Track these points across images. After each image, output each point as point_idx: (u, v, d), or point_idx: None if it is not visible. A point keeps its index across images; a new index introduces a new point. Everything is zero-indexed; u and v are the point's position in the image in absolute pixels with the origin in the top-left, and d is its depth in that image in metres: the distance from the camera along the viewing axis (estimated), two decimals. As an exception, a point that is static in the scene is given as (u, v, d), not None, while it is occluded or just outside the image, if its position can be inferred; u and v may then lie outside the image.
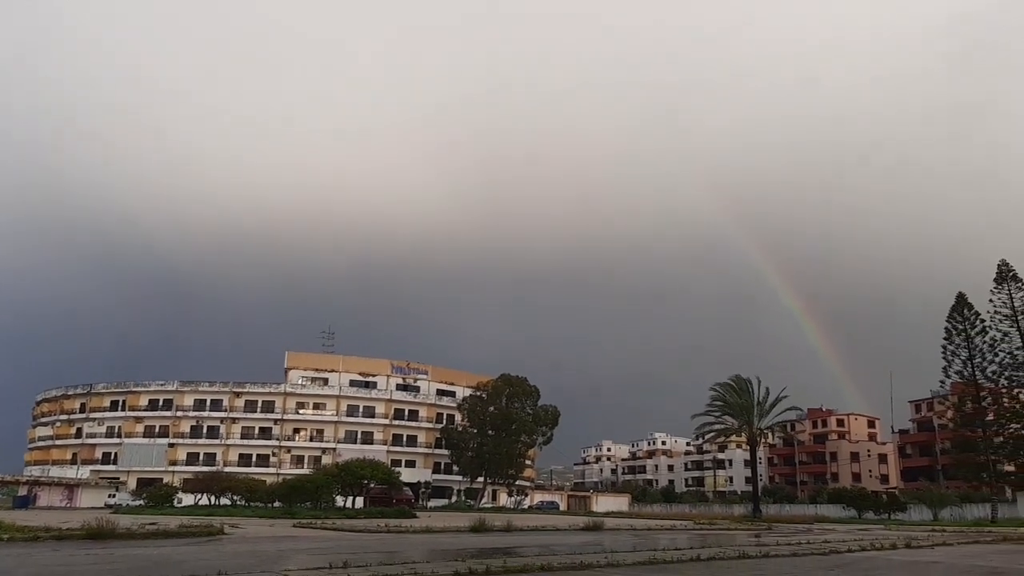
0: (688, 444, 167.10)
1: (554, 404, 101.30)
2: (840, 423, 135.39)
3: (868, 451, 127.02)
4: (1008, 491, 71.32)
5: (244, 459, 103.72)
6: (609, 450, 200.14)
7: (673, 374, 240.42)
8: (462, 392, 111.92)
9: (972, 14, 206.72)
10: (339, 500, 57.07)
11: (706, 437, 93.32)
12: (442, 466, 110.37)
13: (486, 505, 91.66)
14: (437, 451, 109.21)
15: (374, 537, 26.16)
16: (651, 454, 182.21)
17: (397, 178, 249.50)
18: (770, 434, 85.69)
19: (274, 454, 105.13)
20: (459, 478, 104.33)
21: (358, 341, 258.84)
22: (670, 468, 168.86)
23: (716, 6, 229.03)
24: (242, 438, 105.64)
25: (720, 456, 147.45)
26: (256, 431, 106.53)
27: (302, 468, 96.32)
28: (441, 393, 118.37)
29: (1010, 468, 65.72)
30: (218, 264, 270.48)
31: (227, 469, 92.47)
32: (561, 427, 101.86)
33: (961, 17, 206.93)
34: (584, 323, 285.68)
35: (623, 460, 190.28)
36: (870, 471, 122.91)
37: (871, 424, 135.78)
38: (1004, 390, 63.31)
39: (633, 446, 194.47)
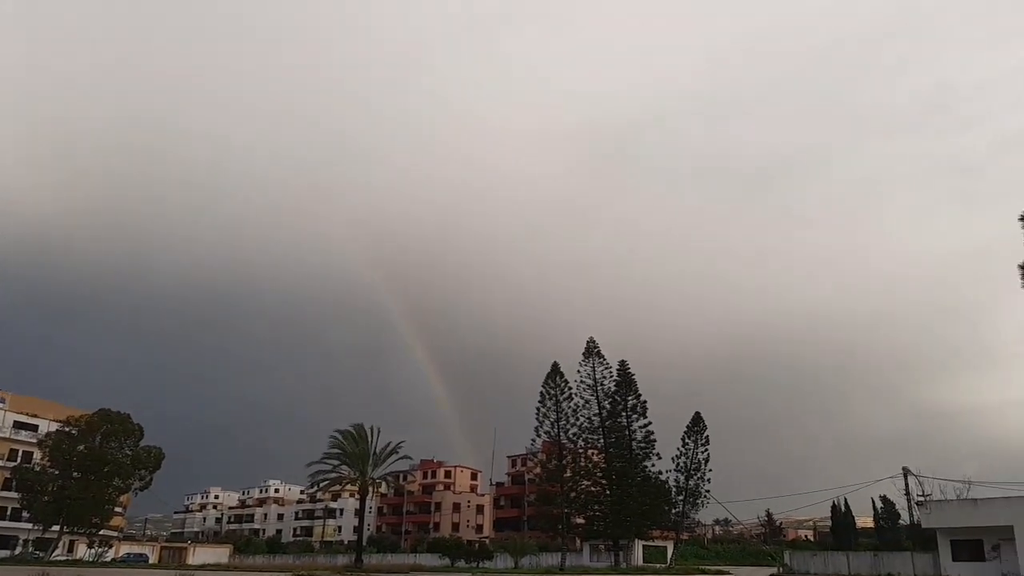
0: (302, 492, 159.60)
1: (159, 445, 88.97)
2: (447, 475, 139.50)
3: (469, 502, 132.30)
4: (578, 541, 77.76)
5: None
6: (217, 497, 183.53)
7: (301, 418, 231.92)
8: (48, 426, 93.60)
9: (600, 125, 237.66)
10: None
11: (321, 485, 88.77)
12: (8, 512, 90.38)
13: (59, 558, 76.12)
14: (5, 494, 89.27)
15: None
16: (262, 502, 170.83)
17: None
18: (383, 484, 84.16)
19: None
20: (30, 526, 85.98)
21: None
22: (280, 517, 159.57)
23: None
24: None
25: (332, 505, 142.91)
26: None
27: None
28: (20, 426, 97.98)
29: (580, 520, 71.62)
30: None
31: None
32: (171, 472, 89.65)
33: (589, 125, 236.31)
34: (214, 359, 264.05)
35: (231, 508, 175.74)
36: (468, 521, 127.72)
37: (474, 476, 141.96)
38: (581, 450, 69.27)
39: (244, 493, 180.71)
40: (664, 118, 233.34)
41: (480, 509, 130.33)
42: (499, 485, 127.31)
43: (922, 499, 55.73)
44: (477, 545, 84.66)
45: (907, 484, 62.07)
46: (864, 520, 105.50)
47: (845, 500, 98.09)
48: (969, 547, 43.32)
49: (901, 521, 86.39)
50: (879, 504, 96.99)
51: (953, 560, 43.70)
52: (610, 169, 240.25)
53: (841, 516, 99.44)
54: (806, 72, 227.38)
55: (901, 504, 73.07)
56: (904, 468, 62.31)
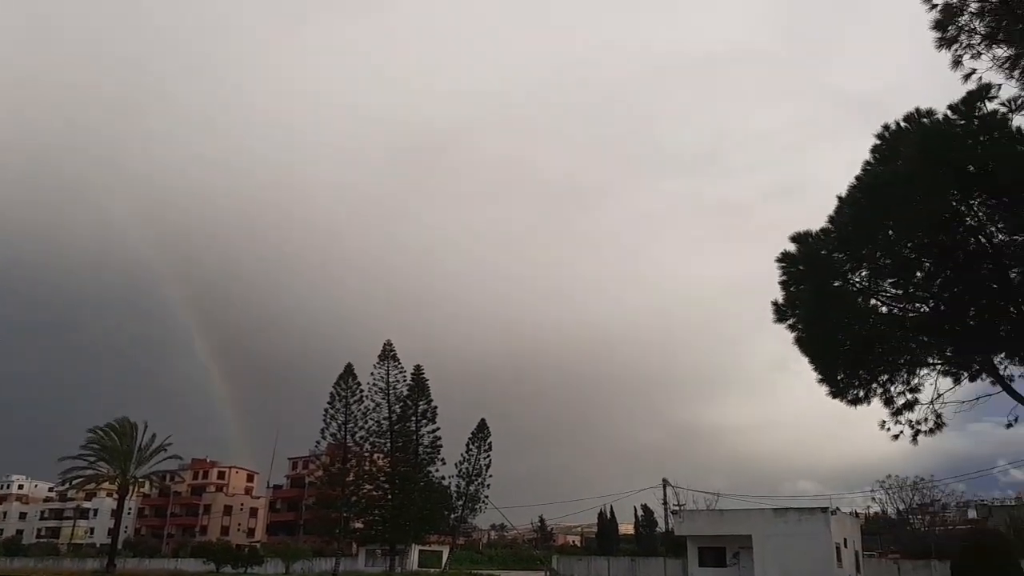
0: (51, 490, 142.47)
1: None
2: (221, 475, 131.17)
3: (242, 505, 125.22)
4: (354, 546, 75.92)
5: None
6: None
7: (58, 410, 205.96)
8: None
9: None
10: None
11: (74, 483, 79.64)
12: None
13: None
14: None
15: None
16: (2, 499, 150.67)
17: None
18: (147, 483, 77.26)
19: None
20: None
21: None
22: (22, 516, 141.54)
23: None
24: None
25: (86, 505, 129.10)
26: None
27: None
28: None
29: (359, 525, 69.99)
30: None
31: None
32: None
33: (396, 134, 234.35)
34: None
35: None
36: (240, 525, 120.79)
37: (250, 478, 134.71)
38: (367, 454, 67.78)
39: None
40: (472, 132, 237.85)
41: (254, 512, 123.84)
42: (277, 488, 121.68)
43: (676, 508, 60.47)
44: (247, 549, 79.99)
45: (665, 494, 67.16)
46: (627, 527, 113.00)
47: (611, 508, 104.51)
48: (713, 554, 47.25)
49: (658, 529, 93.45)
50: (640, 512, 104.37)
51: (700, 566, 47.45)
52: (417, 177, 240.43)
53: (607, 523, 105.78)
54: (606, 105, 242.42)
55: (660, 513, 78.89)
56: (664, 479, 67.37)
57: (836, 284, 22.76)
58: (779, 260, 23.68)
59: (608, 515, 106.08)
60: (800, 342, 24.07)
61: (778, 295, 24.22)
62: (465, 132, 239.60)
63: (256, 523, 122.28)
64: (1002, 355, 21.92)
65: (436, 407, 68.62)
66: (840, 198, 22.98)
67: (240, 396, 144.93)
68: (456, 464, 69.08)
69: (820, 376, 24.11)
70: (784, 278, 23.90)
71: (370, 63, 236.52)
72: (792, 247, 23.40)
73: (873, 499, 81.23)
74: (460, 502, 69.30)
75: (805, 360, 24.41)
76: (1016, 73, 15.34)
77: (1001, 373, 21.67)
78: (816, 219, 24.50)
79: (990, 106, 20.34)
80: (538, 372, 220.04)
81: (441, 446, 68.44)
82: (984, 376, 21.94)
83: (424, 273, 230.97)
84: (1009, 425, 22.07)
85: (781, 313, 24.33)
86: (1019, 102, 17.64)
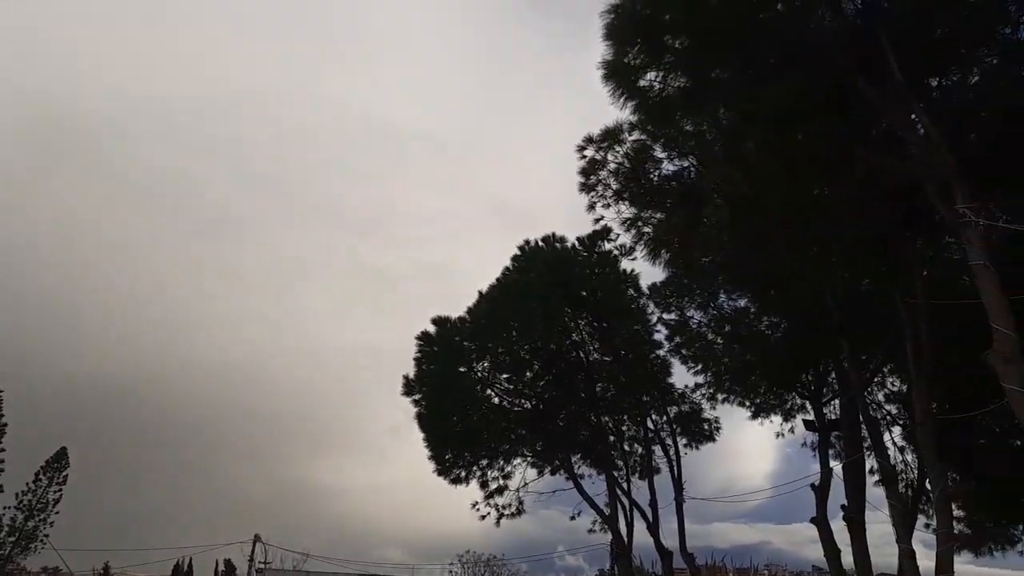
0: None
1: None
2: None
3: None
4: None
5: None
6: None
7: None
8: None
9: None
10: None
11: None
12: None
13: None
14: None
15: None
16: None
17: None
18: None
19: None
20: None
21: None
22: None
23: None
24: None
25: None
26: None
27: None
28: None
29: None
30: None
31: None
32: None
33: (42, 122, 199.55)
34: None
35: None
36: None
37: None
38: None
39: None
40: (127, 135, 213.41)
41: None
42: None
43: (262, 567, 57.78)
44: None
45: (254, 550, 63.75)
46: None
47: (190, 560, 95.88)
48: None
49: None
50: (222, 567, 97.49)
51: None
52: (62, 172, 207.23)
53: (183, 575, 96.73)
54: (283, 143, 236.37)
55: (243, 570, 74.46)
56: (256, 535, 64.03)
57: (462, 370, 24.47)
58: (418, 338, 24.83)
59: (185, 567, 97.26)
60: (420, 418, 25.21)
61: (411, 370, 25.27)
62: (120, 134, 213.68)
63: None
64: (578, 455, 25.32)
65: (5, 424, 57.49)
66: (481, 293, 25.07)
67: None
68: (17, 494, 58.12)
69: (431, 453, 25.38)
70: (419, 355, 25.05)
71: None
72: (432, 328, 24.74)
73: (450, 571, 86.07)
74: (12, 539, 58.08)
75: (420, 434, 25.58)
76: (631, 228, 18.44)
77: (575, 471, 24.97)
78: (459, 304, 26.22)
79: (608, 246, 24.17)
80: (143, 407, 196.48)
81: (2, 470, 57.12)
82: (562, 472, 25.07)
83: (25, 274, 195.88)
84: (573, 517, 25.51)
85: (410, 387, 25.35)
86: (627, 249, 21.03)
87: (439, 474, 25.26)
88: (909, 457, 21.04)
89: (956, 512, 22.91)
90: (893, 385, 21.12)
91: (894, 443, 21.91)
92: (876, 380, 21.51)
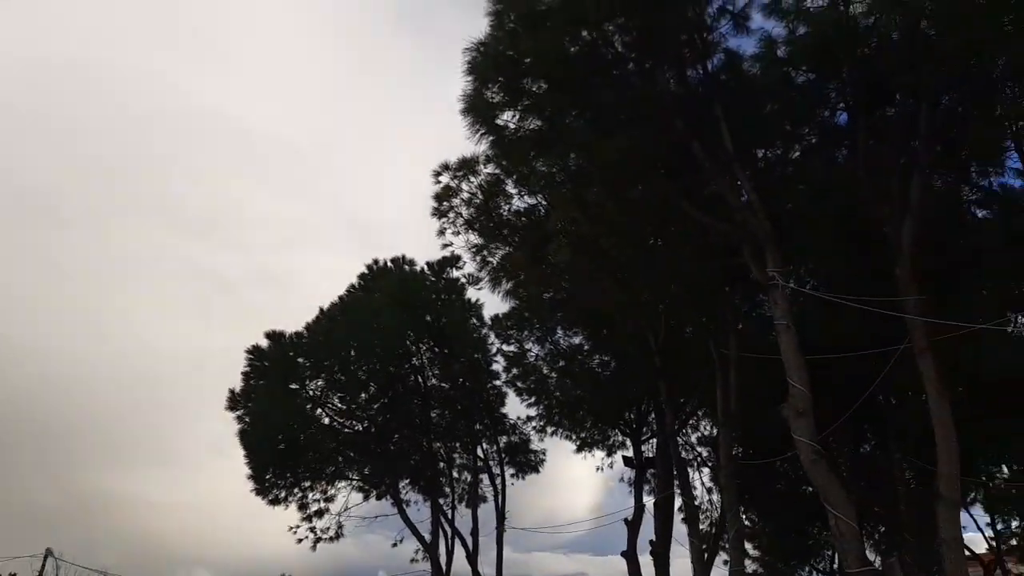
0: None
1: None
2: None
3: None
4: None
5: None
6: None
7: None
8: None
9: None
10: None
11: None
12: None
13: None
14: None
15: None
16: None
17: None
18: None
19: None
20: None
21: None
22: None
23: None
24: None
25: None
26: None
27: None
28: None
29: None
30: None
31: None
32: None
33: None
34: None
35: None
36: None
37: None
38: None
39: None
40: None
41: None
42: None
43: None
44: None
45: (44, 565, 57.76)
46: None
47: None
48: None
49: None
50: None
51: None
52: None
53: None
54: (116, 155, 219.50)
55: (30, 588, 67.14)
56: (48, 548, 58.05)
57: (294, 387, 23.58)
58: (249, 352, 23.75)
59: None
60: (243, 434, 24.00)
61: (239, 383, 24.08)
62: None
63: None
64: (407, 480, 24.99)
65: None
66: (322, 309, 24.39)
67: None
68: None
69: (251, 471, 24.15)
70: (248, 369, 23.93)
71: None
72: (265, 342, 23.72)
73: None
74: None
75: (242, 451, 24.32)
76: (478, 258, 18.74)
77: (401, 497, 24.61)
78: (298, 317, 25.31)
79: (456, 273, 24.32)
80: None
81: None
82: (388, 497, 24.62)
83: None
84: (395, 544, 25.11)
85: (235, 402, 24.16)
86: (474, 279, 21.26)
87: (258, 493, 24.08)
88: (715, 497, 22.50)
89: (753, 552, 24.77)
90: (706, 429, 22.55)
91: (703, 484, 23.39)
92: (691, 423, 22.94)
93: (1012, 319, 14.35)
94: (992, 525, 22.40)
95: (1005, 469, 21.14)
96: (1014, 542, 22.91)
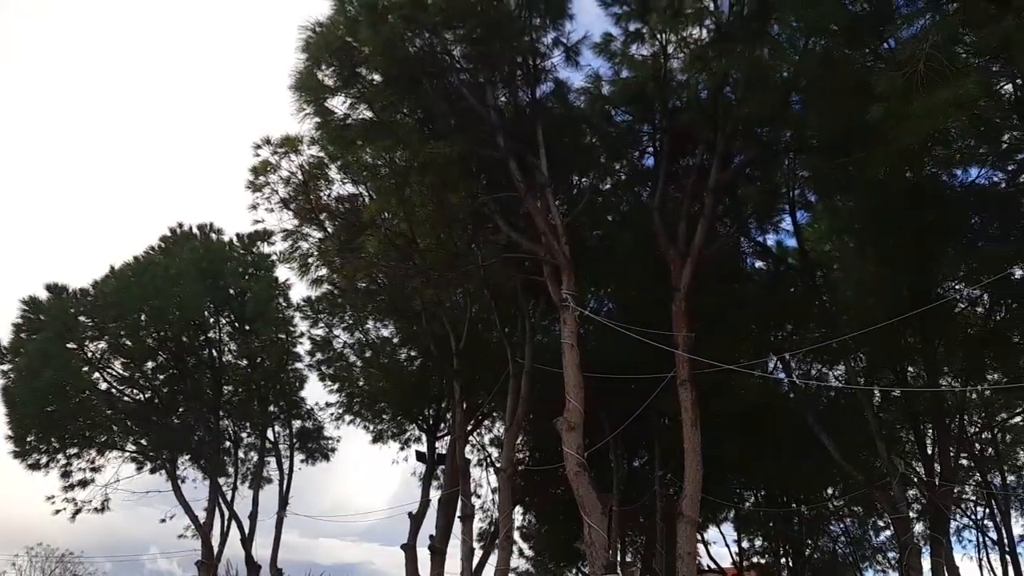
0: None
1: None
2: None
3: None
4: None
5: None
6: None
7: None
8: None
9: None
10: None
11: None
12: None
13: None
14: None
15: None
16: None
17: None
18: None
19: None
20: None
21: None
22: None
23: None
24: None
25: None
26: None
27: None
28: None
29: None
30: None
31: None
32: None
33: None
34: None
35: None
36: None
37: None
38: None
39: None
40: None
41: None
42: None
43: None
44: None
45: None
46: None
47: None
48: None
49: None
50: None
51: None
52: None
53: None
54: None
55: None
56: None
57: (71, 346, 21.60)
58: (24, 302, 21.49)
59: None
60: (6, 391, 21.74)
61: (7, 335, 21.77)
62: None
63: None
64: (188, 457, 23.67)
65: None
66: (113, 268, 22.57)
67: None
68: None
69: (11, 432, 21.93)
70: (20, 321, 21.66)
71: None
72: (44, 295, 21.59)
73: (14, 564, 74.19)
74: None
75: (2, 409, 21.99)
76: (290, 239, 18.25)
77: (179, 473, 23.25)
78: (85, 274, 23.19)
79: (267, 250, 23.41)
80: None
81: None
82: (163, 472, 23.17)
83: None
84: (164, 520, 23.77)
85: (1, 355, 21.85)
86: (286, 257, 20.59)
87: (15, 456, 21.90)
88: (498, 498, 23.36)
89: (528, 552, 25.96)
90: (499, 431, 23.34)
91: (489, 484, 24.21)
92: (486, 424, 23.69)
93: (764, 362, 16.27)
94: (738, 542, 25.19)
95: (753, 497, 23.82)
96: (755, 559, 25.91)
